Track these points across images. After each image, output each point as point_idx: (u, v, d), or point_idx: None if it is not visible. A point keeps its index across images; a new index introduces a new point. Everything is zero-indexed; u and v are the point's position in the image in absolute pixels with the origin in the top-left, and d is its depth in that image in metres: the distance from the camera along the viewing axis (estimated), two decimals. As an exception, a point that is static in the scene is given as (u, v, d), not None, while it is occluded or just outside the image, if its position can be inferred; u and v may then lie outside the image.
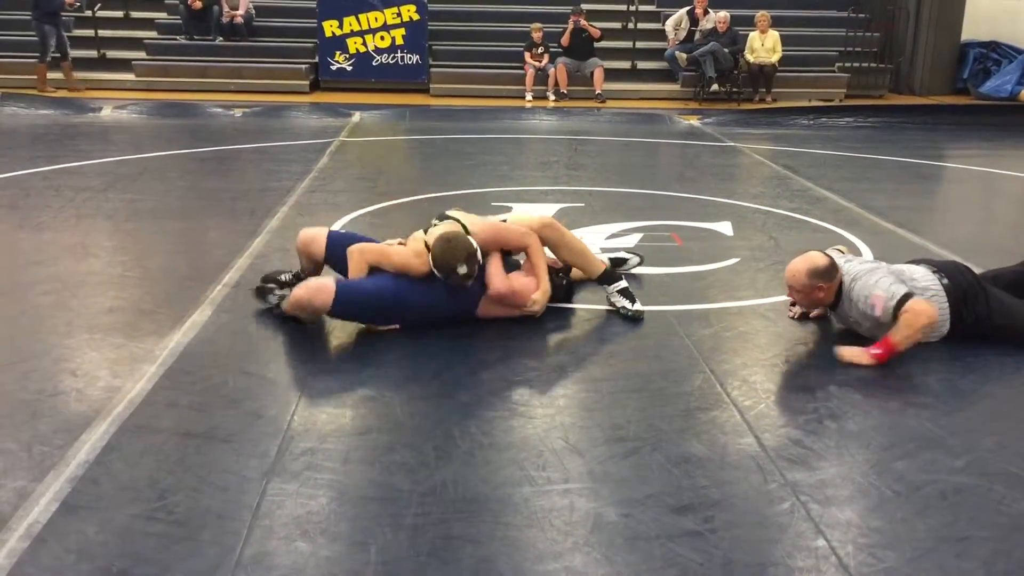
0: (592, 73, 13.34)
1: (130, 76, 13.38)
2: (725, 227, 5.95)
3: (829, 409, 3.33)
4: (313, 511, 2.59)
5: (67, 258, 5.02)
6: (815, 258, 3.88)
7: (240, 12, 13.75)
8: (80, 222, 5.84)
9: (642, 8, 14.48)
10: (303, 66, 13.69)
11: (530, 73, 13.30)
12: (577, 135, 10.44)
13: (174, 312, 4.14)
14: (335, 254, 4.15)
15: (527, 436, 3.08)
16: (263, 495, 2.65)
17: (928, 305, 3.72)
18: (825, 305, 3.99)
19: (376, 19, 13.61)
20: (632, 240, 5.57)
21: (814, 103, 13.29)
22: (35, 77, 12.71)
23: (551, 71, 13.31)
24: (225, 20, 13.70)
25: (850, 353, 3.72)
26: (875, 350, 3.69)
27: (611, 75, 13.49)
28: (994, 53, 14.68)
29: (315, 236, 4.25)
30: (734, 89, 13.29)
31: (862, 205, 6.65)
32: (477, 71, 13.86)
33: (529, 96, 13.22)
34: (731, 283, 4.77)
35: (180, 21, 14.00)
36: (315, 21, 13.63)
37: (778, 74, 13.31)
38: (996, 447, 3.05)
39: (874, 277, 3.81)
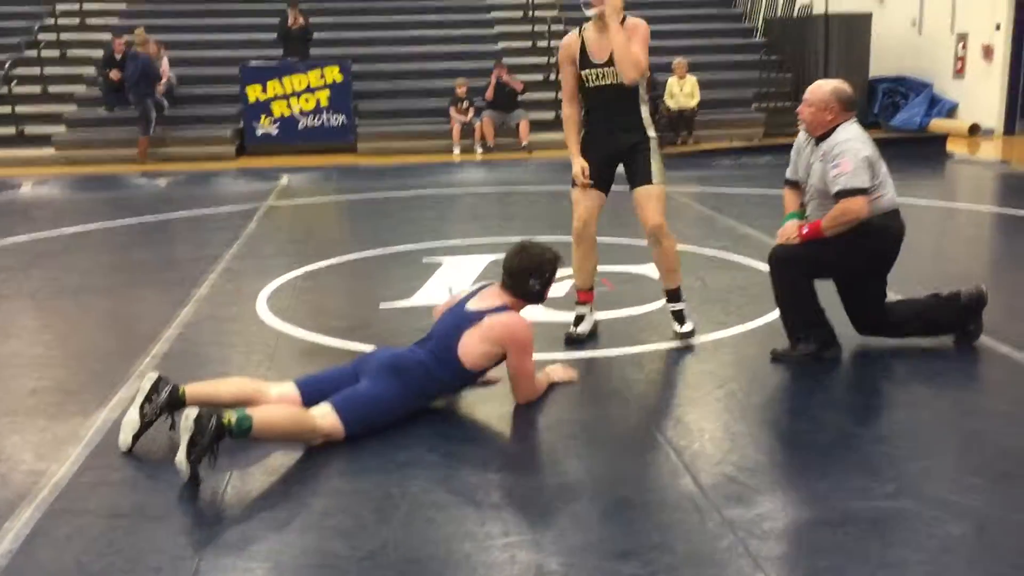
0: (518, 125, 13.54)
1: (50, 151, 13.19)
2: (653, 269, 6.03)
3: (761, 444, 3.38)
4: (249, 585, 2.53)
5: (-13, 340, 4.88)
6: (845, 84, 4.18)
7: (161, 82, 13.68)
8: (0, 303, 5.69)
9: (563, 60, 14.76)
10: (228, 132, 13.65)
11: (456, 128, 13.45)
12: (506, 186, 10.55)
13: (100, 389, 4.04)
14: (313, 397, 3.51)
15: (466, 491, 3.06)
16: (197, 572, 2.59)
17: (864, 207, 3.98)
18: (821, 132, 4.14)
19: (300, 82, 13.67)
20: (564, 287, 5.61)
21: (735, 143, 13.65)
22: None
23: (477, 125, 13.47)
24: (146, 90, 13.63)
25: (785, 230, 4.17)
26: (804, 229, 4.10)
27: (537, 126, 13.71)
28: (902, 87, 15.30)
29: (286, 394, 3.53)
30: (657, 134, 13.57)
31: (785, 240, 6.80)
32: (404, 128, 13.98)
33: (457, 150, 13.35)
34: (661, 325, 4.83)
35: (100, 94, 13.88)
36: (238, 87, 13.63)
37: (698, 118, 13.66)
38: (923, 472, 3.13)
39: (862, 153, 4.01)
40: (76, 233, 8.05)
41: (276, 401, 3.47)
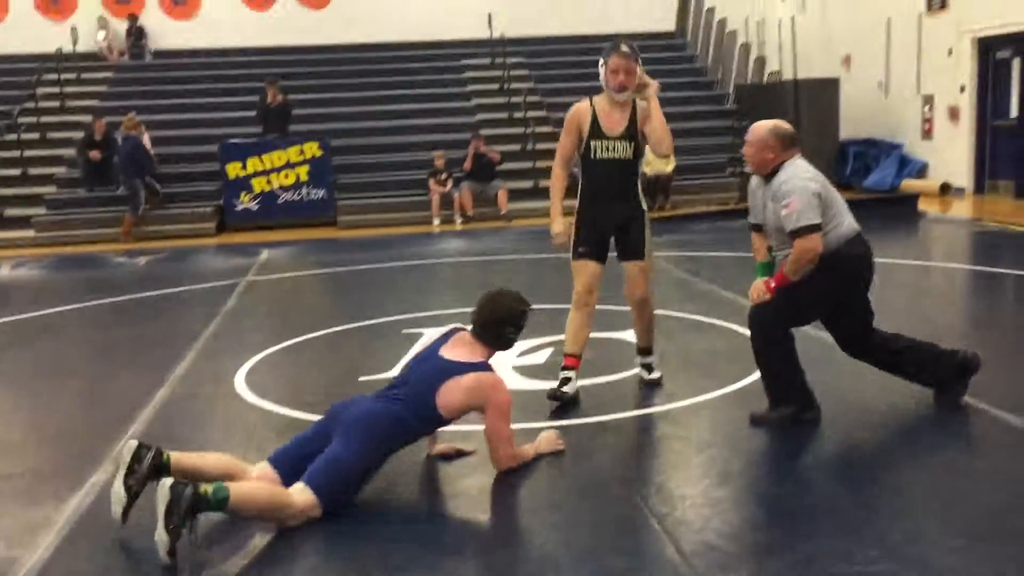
0: (496, 194, 13.68)
1: (30, 233, 13.19)
2: (632, 335, 6.05)
3: (743, 509, 3.36)
4: (224, 673, 2.47)
5: (-40, 426, 4.81)
6: (784, 123, 4.23)
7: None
8: (-25, 387, 5.63)
9: (539, 130, 15.01)
10: (208, 209, 13.70)
11: (435, 199, 13.56)
12: (486, 256, 10.61)
13: (75, 473, 3.98)
14: (289, 468, 3.49)
15: (445, 566, 3.01)
16: (170, 661, 2.52)
17: (819, 243, 4.00)
18: (766, 171, 4.16)
19: (279, 158, 13.79)
20: (543, 355, 5.62)
21: (711, 208, 13.81)
22: None
23: (456, 195, 13.59)
24: (126, 170, 13.70)
25: (754, 290, 4.17)
26: (771, 283, 4.12)
27: (515, 195, 13.85)
28: (873, 149, 15.57)
29: (266, 473, 3.49)
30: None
31: (763, 303, 6.85)
32: (384, 201, 14.08)
33: (436, 221, 13.45)
34: (640, 391, 4.83)
35: (79, 175, 13.94)
36: (218, 164, 13.73)
37: (674, 183, 13.85)
38: (906, 534, 3.11)
39: (809, 189, 4.01)
40: (54, 314, 8.01)
41: (256, 479, 3.44)
